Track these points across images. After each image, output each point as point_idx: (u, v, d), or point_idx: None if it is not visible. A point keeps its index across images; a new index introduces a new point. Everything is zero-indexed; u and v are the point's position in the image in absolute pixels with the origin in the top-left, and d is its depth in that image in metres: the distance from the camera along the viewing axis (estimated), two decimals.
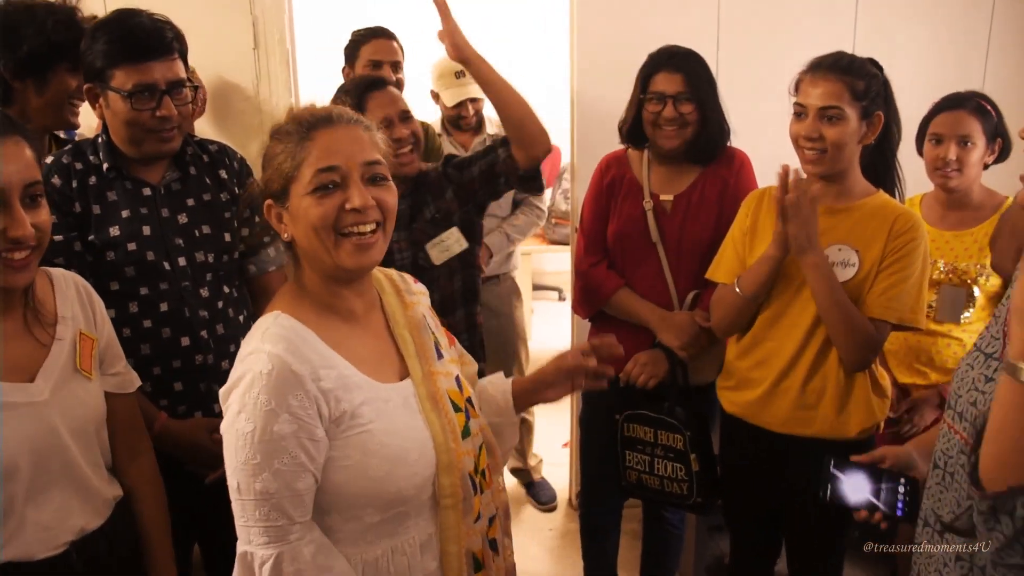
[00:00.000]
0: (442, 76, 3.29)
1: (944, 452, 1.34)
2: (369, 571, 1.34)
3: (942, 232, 2.38)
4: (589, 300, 2.48)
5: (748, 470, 2.16)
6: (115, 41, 1.74)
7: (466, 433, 1.44)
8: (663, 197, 2.36)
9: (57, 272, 1.56)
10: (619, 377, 2.34)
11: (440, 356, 1.49)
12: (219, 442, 1.85)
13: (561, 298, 6.28)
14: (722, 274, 2.13)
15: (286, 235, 1.36)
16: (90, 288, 1.58)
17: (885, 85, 1.98)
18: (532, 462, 3.65)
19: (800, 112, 1.96)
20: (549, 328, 5.48)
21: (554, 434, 3.95)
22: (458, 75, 3.23)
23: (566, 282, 6.06)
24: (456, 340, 1.64)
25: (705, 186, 2.33)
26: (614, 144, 2.49)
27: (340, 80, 3.03)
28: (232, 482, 1.28)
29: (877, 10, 3.11)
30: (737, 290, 2.03)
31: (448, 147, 3.30)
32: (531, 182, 2.25)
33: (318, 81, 3.17)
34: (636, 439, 2.36)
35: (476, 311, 2.38)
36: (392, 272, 1.57)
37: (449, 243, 2.23)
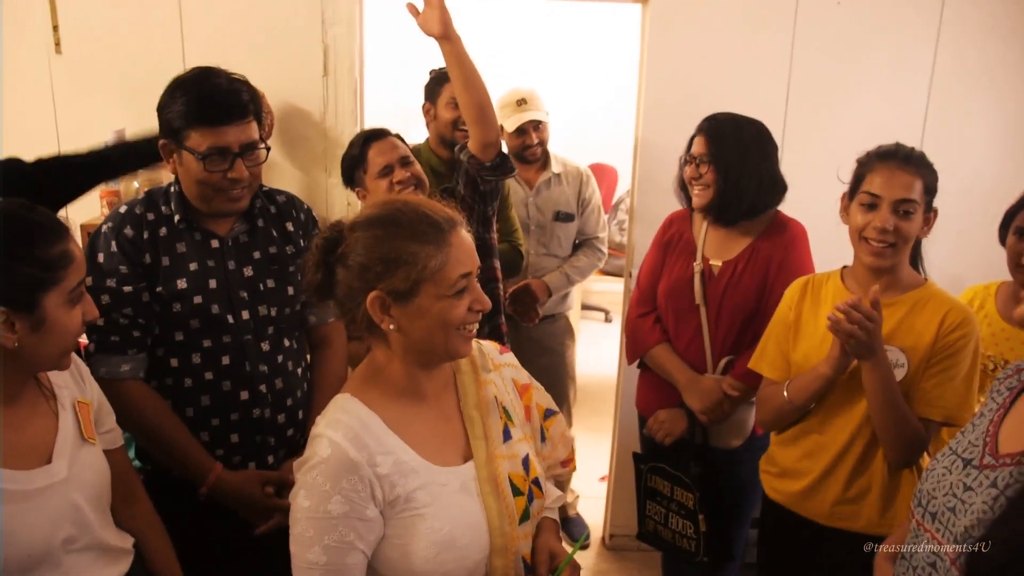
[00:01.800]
0: (504, 107, 3.28)
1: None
2: None
3: (1016, 329, 2.28)
4: (633, 349, 2.58)
5: (789, 556, 2.14)
6: (192, 102, 1.76)
7: (525, 517, 1.46)
8: (713, 262, 2.40)
9: None
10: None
11: (508, 437, 1.50)
12: (271, 495, 1.90)
13: (607, 319, 6.29)
14: (765, 366, 2.12)
15: (389, 326, 1.38)
16: (73, 354, 1.61)
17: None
18: (569, 498, 3.65)
19: (871, 203, 1.89)
20: (593, 350, 5.43)
21: (593, 468, 3.94)
22: (519, 103, 3.24)
23: (612, 303, 6.07)
24: (532, 412, 1.61)
25: (753, 255, 2.36)
26: (673, 200, 2.53)
27: (401, 110, 3.06)
28: (291, 548, 1.36)
29: (952, 83, 3.05)
30: (785, 395, 2.01)
31: (515, 187, 3.29)
32: (499, 169, 2.39)
33: (381, 110, 3.20)
34: (656, 490, 2.48)
35: (500, 322, 2.59)
36: (474, 346, 1.57)
37: None
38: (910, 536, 1.44)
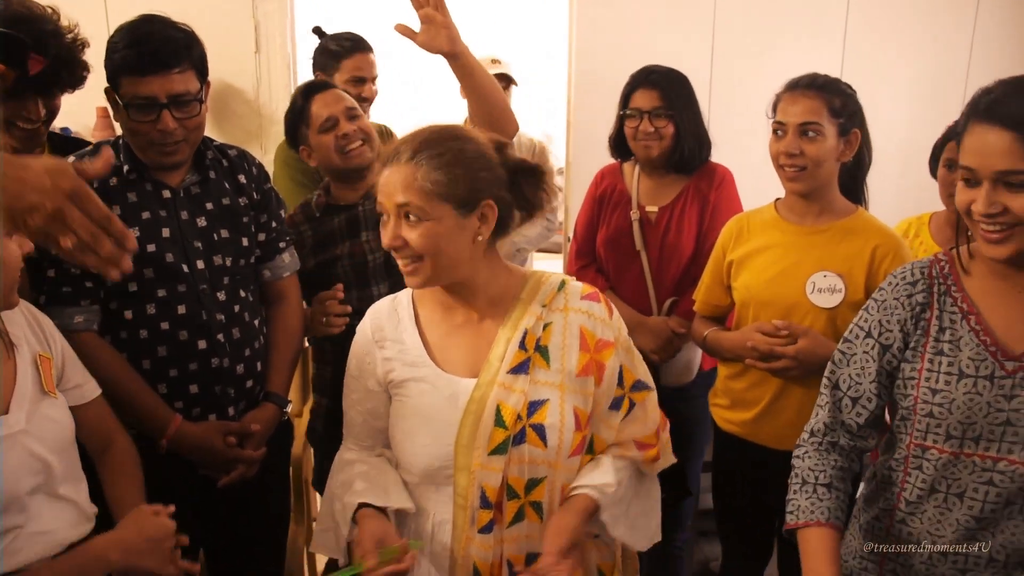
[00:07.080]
0: None
1: (949, 476, 1.43)
2: (399, 517, 1.56)
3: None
4: None
5: (744, 483, 2.21)
6: (124, 48, 1.74)
7: (500, 450, 1.46)
8: (649, 208, 2.48)
9: None
10: None
11: (522, 371, 1.50)
12: (232, 445, 1.88)
13: None
14: (697, 302, 2.27)
15: None
16: (33, 308, 1.59)
17: (858, 106, 2.02)
18: None
19: (779, 130, 1.99)
20: None
21: None
22: (492, 62, 3.28)
23: None
24: (605, 372, 1.56)
25: (687, 200, 2.45)
26: (607, 160, 2.59)
27: None
28: None
29: (864, 36, 3.23)
30: (705, 337, 2.20)
31: None
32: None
33: None
34: None
35: None
36: (553, 279, 1.59)
37: None
38: (942, 467, 1.44)
